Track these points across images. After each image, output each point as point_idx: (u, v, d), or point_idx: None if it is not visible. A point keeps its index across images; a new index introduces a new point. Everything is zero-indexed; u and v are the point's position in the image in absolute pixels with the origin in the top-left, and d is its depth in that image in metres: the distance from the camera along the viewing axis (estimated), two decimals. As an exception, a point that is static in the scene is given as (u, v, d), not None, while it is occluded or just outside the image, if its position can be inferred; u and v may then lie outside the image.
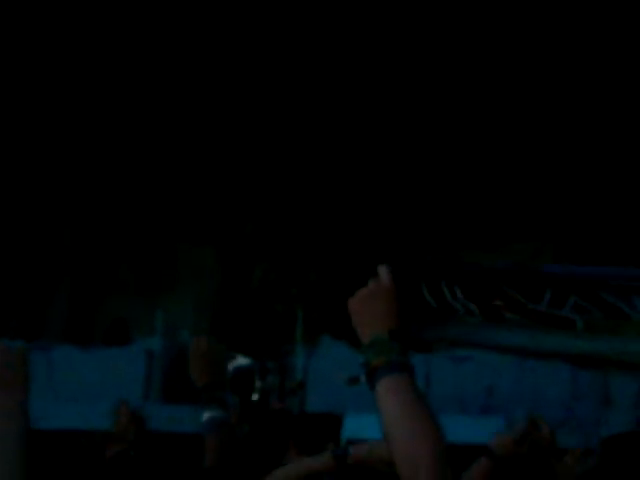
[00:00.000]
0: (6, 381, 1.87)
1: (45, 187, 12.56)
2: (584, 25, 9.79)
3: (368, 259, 12.32)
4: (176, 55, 10.95)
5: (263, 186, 12.55)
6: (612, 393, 7.70)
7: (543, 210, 11.94)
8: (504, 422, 7.79)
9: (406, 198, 12.12)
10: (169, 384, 9.66)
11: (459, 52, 10.57)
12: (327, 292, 12.17)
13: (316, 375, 9.27)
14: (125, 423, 3.86)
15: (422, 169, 12.05)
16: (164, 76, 11.33)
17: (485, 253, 12.33)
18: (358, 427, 5.81)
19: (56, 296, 13.30)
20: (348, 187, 12.22)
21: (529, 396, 7.91)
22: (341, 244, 12.48)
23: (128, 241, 13.16)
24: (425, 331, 1.54)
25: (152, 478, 3.35)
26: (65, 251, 13.39)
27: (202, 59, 11.03)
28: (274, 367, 9.66)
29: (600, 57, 10.20)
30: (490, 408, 8.47)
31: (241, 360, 9.78)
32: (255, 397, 9.30)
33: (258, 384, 9.49)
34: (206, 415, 2.12)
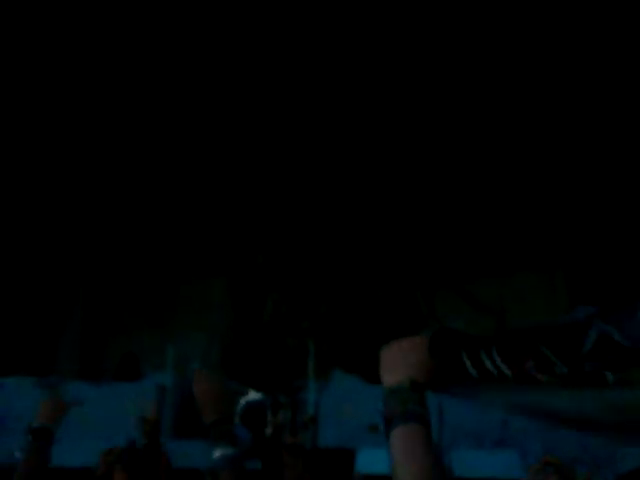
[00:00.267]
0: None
1: (56, 225, 12.63)
2: (584, 30, 9.82)
3: (379, 291, 12.29)
4: (181, 71, 11.00)
5: (274, 218, 12.57)
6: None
7: (554, 239, 11.90)
8: (518, 456, 7.71)
9: (415, 229, 12.12)
10: (181, 419, 9.61)
11: (467, 68, 10.61)
12: (338, 326, 12.14)
13: (328, 410, 9.22)
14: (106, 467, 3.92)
15: (431, 200, 12.06)
16: (169, 105, 11.42)
17: (494, 281, 12.30)
18: (371, 462, 5.75)
19: (67, 332, 13.30)
20: (357, 220, 12.23)
21: (543, 430, 7.83)
22: (352, 278, 12.46)
23: (138, 275, 13.18)
24: (459, 392, 1.55)
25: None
26: (76, 287, 13.42)
27: (207, 77, 11.08)
28: (286, 402, 9.61)
29: (613, 73, 10.22)
30: (504, 441, 8.39)
31: (253, 395, 9.73)
32: (268, 432, 9.24)
33: (270, 419, 9.44)
34: (217, 453, 2.10)
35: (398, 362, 1.50)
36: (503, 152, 11.50)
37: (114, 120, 11.50)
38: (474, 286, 12.42)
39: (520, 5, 9.94)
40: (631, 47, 9.73)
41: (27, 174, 11.85)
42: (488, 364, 1.45)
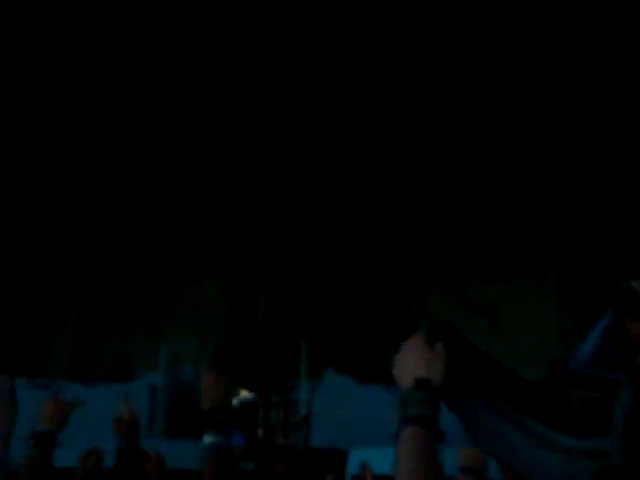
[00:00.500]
0: None
1: (48, 224, 12.58)
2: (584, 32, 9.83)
3: (371, 292, 12.29)
4: (180, 78, 10.97)
5: (266, 220, 12.55)
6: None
7: (545, 241, 11.93)
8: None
9: (408, 230, 12.12)
10: (172, 419, 9.59)
11: (463, 70, 10.60)
12: (331, 326, 12.14)
13: (320, 410, 9.22)
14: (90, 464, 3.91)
15: (424, 201, 12.06)
16: (165, 110, 11.40)
17: (487, 281, 12.32)
18: (363, 461, 5.74)
19: (59, 333, 13.26)
20: (350, 222, 12.23)
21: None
22: (345, 278, 12.45)
23: (131, 277, 13.15)
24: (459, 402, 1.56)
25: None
26: (68, 289, 13.38)
27: (206, 81, 11.06)
28: (278, 402, 9.60)
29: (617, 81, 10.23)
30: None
31: (245, 395, 9.72)
32: (260, 433, 9.23)
33: (262, 419, 9.43)
34: (207, 440, 2.07)
35: (404, 364, 1.51)
36: (496, 153, 11.52)
37: (111, 124, 11.47)
38: (467, 285, 12.44)
39: (520, 5, 9.96)
40: (631, 47, 9.76)
41: (22, 174, 11.81)
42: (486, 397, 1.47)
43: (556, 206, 11.75)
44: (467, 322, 11.70)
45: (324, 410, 9.16)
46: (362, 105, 11.14)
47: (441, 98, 10.98)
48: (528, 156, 11.46)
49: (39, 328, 12.99)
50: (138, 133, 11.66)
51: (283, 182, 12.18)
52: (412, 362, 1.50)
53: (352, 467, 6.96)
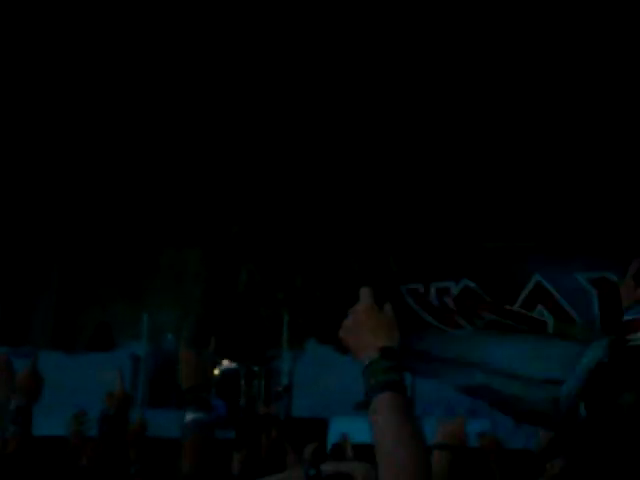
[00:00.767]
0: None
1: (28, 192, 12.51)
2: (584, 29, 9.85)
3: (353, 263, 12.34)
4: (161, 56, 10.93)
5: (249, 188, 12.53)
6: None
7: (524, 209, 11.97)
8: (490, 424, 7.82)
9: (387, 199, 12.13)
10: (155, 389, 9.63)
11: (459, 55, 10.60)
12: (313, 296, 12.18)
13: (302, 379, 9.28)
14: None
15: (401, 170, 12.06)
16: (149, 78, 11.31)
17: (466, 252, 12.38)
18: (344, 431, 5.81)
19: (40, 302, 13.23)
20: (333, 191, 12.23)
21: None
22: (327, 248, 12.48)
23: (112, 245, 13.11)
24: (413, 349, 1.59)
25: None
26: (49, 257, 13.33)
27: (188, 60, 11.02)
28: (260, 371, 9.66)
29: (587, 58, 10.27)
30: (476, 411, 8.49)
31: (227, 365, 9.76)
32: (242, 402, 9.29)
33: (244, 389, 9.48)
34: (188, 416, 2.10)
35: (359, 338, 1.52)
36: (481, 134, 11.54)
37: (88, 94, 11.39)
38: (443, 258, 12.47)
39: (520, 5, 9.96)
40: (631, 47, 9.79)
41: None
42: (437, 309, 1.49)
43: (545, 188, 11.80)
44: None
45: (306, 380, 9.23)
46: (342, 81, 11.12)
47: (424, 78, 10.98)
48: (515, 138, 11.49)
49: (20, 297, 12.96)
50: (117, 103, 11.57)
51: (266, 151, 12.15)
52: (371, 330, 1.50)
53: (333, 436, 7.03)
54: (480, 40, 10.41)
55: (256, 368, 9.68)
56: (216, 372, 9.46)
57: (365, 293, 1.54)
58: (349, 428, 5.55)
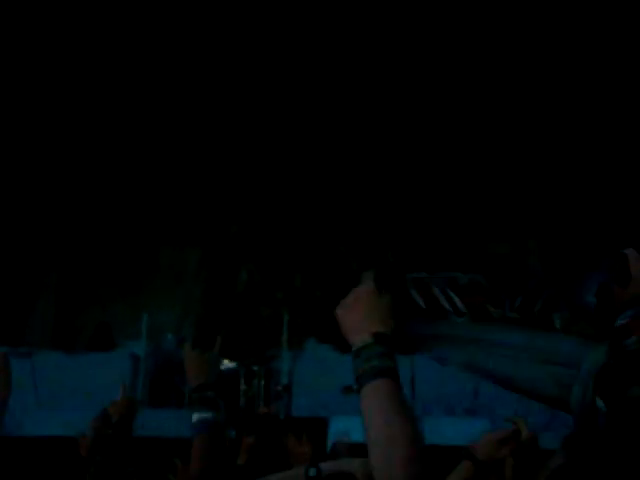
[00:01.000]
0: None
1: (27, 191, 12.49)
2: (584, 26, 9.86)
3: (352, 262, 12.33)
4: (159, 54, 10.92)
5: (248, 187, 12.52)
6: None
7: (525, 207, 11.96)
8: (490, 424, 7.82)
9: (387, 200, 12.13)
10: (155, 388, 9.62)
11: (458, 54, 10.60)
12: (312, 296, 12.17)
13: (302, 379, 9.28)
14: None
15: (402, 171, 12.06)
16: (147, 80, 11.30)
17: (470, 253, 12.37)
18: (344, 430, 5.81)
19: (39, 301, 13.21)
20: (333, 190, 12.22)
21: (514, 398, 7.94)
22: (326, 248, 12.47)
23: (112, 245, 13.10)
24: (415, 330, 1.59)
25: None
26: (48, 256, 13.31)
27: (186, 58, 11.02)
28: (260, 371, 9.65)
29: (579, 57, 10.28)
30: (475, 410, 8.50)
31: (226, 364, 9.76)
32: (241, 401, 9.28)
33: (243, 388, 9.48)
34: (195, 416, 2.10)
35: (355, 319, 1.50)
36: (473, 121, 11.53)
37: (85, 91, 11.37)
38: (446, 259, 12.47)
39: (520, 5, 9.97)
40: (631, 47, 9.80)
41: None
42: (442, 300, 1.48)
43: (536, 173, 11.79)
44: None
45: (306, 379, 9.23)
46: (341, 78, 11.11)
47: (418, 71, 10.97)
48: (505, 125, 11.48)
49: (19, 297, 12.94)
50: (116, 103, 11.56)
51: (265, 151, 12.14)
52: (368, 313, 1.49)
53: (333, 435, 7.03)
54: (486, 40, 10.41)
55: (256, 368, 9.68)
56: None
57: (368, 277, 1.53)
58: (349, 427, 5.55)
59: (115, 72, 11.10)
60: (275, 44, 10.71)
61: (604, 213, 10.82)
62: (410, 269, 10.70)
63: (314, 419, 7.95)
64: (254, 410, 8.67)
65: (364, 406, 1.39)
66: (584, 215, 11.27)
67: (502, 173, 11.75)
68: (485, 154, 11.70)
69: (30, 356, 9.19)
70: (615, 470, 1.15)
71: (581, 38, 10.05)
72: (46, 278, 13.34)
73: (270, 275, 12.63)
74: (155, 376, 9.71)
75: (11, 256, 12.77)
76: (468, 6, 10.16)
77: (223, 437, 2.13)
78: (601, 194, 11.09)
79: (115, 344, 11.09)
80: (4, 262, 12.71)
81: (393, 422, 1.35)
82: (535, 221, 11.88)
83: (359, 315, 1.48)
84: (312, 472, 1.87)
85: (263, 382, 9.52)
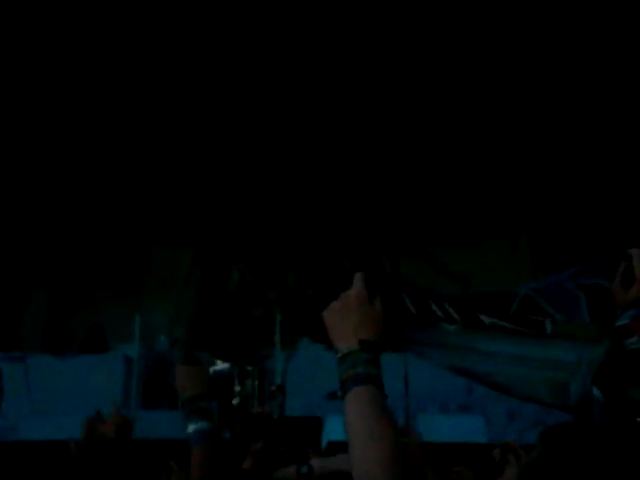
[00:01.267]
0: None
1: (19, 193, 12.45)
2: (584, 25, 9.88)
3: (345, 261, 12.33)
4: (154, 52, 10.90)
5: (240, 187, 12.51)
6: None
7: (517, 205, 11.99)
8: (483, 420, 7.83)
9: (379, 196, 12.13)
10: (148, 390, 9.61)
11: (461, 56, 10.61)
12: (305, 296, 12.17)
13: (295, 378, 9.27)
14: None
15: (394, 168, 12.07)
16: (146, 81, 11.28)
17: (459, 250, 12.39)
18: (338, 429, 5.81)
19: (31, 304, 13.17)
20: (325, 189, 12.22)
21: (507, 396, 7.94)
22: (318, 246, 12.47)
23: (103, 246, 13.07)
24: (405, 334, 1.58)
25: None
26: (40, 258, 13.27)
27: (180, 57, 10.99)
28: (253, 371, 9.64)
29: (570, 55, 10.30)
30: (469, 406, 8.51)
31: (219, 365, 9.74)
32: (235, 402, 9.27)
33: (237, 389, 9.47)
34: (191, 427, 2.11)
35: (342, 325, 1.50)
36: (468, 119, 11.54)
37: (79, 92, 11.35)
38: (439, 251, 12.48)
39: (520, 5, 9.99)
40: (631, 47, 9.82)
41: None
42: (434, 307, 1.48)
43: (528, 170, 11.81)
44: (439, 288, 11.77)
45: (299, 379, 9.23)
46: (337, 77, 11.11)
47: (429, 73, 10.98)
48: (500, 121, 11.50)
49: (10, 300, 12.90)
50: (110, 104, 11.54)
51: (257, 150, 12.13)
52: (356, 319, 1.49)
53: (328, 434, 7.04)
54: (487, 40, 10.42)
55: (249, 368, 9.66)
56: (210, 372, 9.43)
57: (358, 279, 1.53)
58: (343, 426, 5.54)
59: (113, 73, 11.08)
60: (270, 44, 10.70)
61: (597, 210, 10.86)
62: (402, 274, 10.72)
63: (308, 418, 7.96)
64: (248, 410, 8.66)
65: (347, 411, 1.40)
66: (577, 211, 11.30)
67: (495, 170, 11.78)
68: (477, 151, 11.72)
69: (23, 360, 9.15)
70: (590, 464, 1.15)
71: (580, 37, 10.07)
72: (37, 280, 13.30)
73: (262, 274, 12.62)
74: (148, 377, 9.70)
75: (2, 259, 12.73)
76: (468, 6, 10.17)
77: (221, 444, 2.13)
78: (596, 191, 11.12)
79: (108, 346, 11.06)
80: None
81: (374, 427, 1.36)
82: (527, 217, 11.91)
83: (346, 321, 1.48)
84: (304, 469, 1.88)
85: (257, 382, 9.52)
